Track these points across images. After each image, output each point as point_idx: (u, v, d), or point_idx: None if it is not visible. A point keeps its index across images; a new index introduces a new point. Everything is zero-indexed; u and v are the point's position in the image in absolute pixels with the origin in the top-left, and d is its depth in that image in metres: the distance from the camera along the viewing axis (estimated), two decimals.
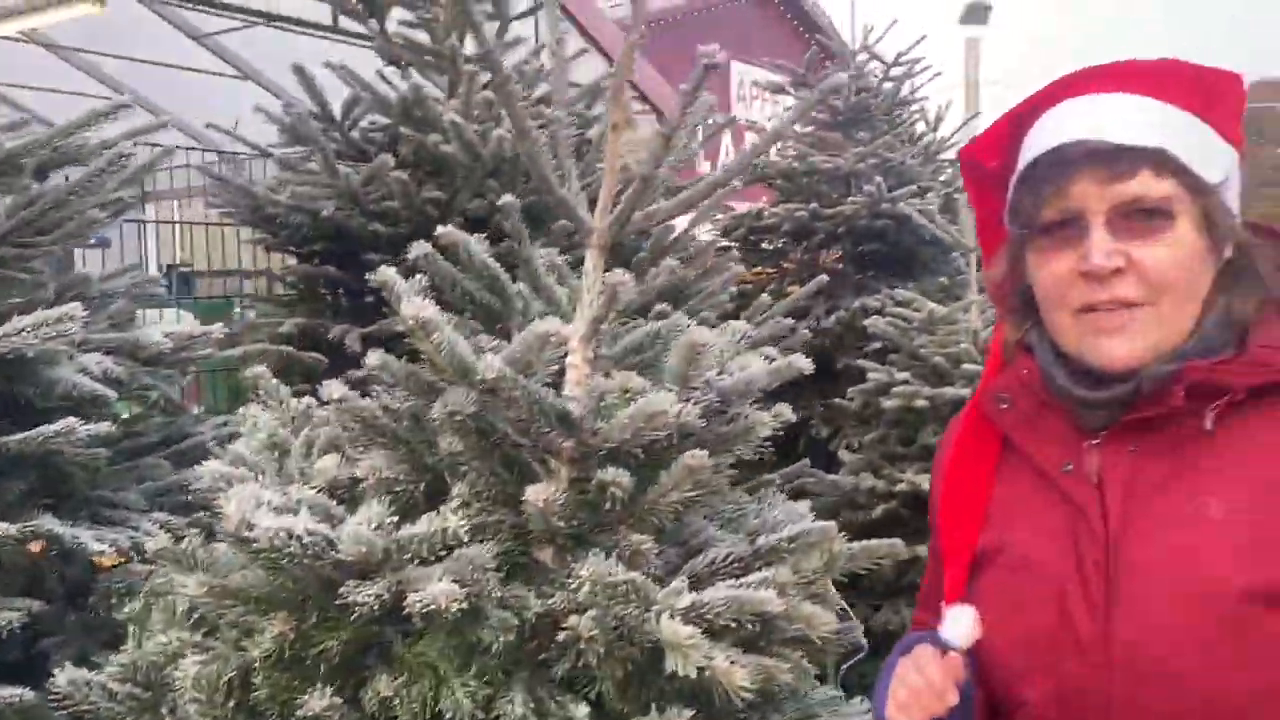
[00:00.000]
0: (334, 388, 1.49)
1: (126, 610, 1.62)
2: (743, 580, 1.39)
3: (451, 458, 1.48)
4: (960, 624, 1.17)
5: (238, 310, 4.54)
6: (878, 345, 4.67)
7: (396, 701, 1.39)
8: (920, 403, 4.06)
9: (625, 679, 1.43)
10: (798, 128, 6.22)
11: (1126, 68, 1.15)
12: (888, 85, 5.92)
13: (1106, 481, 1.14)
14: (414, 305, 1.37)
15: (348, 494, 1.56)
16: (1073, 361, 1.18)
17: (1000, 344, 1.30)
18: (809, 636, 1.43)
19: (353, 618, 1.38)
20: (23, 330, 1.79)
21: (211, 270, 6.14)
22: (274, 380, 1.81)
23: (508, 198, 1.73)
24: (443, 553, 1.35)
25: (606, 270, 1.52)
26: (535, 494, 1.37)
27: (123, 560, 2.14)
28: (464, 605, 1.30)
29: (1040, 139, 1.15)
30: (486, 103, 3.18)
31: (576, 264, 1.80)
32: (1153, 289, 1.11)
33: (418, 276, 1.64)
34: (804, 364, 1.51)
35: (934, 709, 1.13)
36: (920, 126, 6.21)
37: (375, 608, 1.31)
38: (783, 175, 5.81)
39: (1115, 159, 1.09)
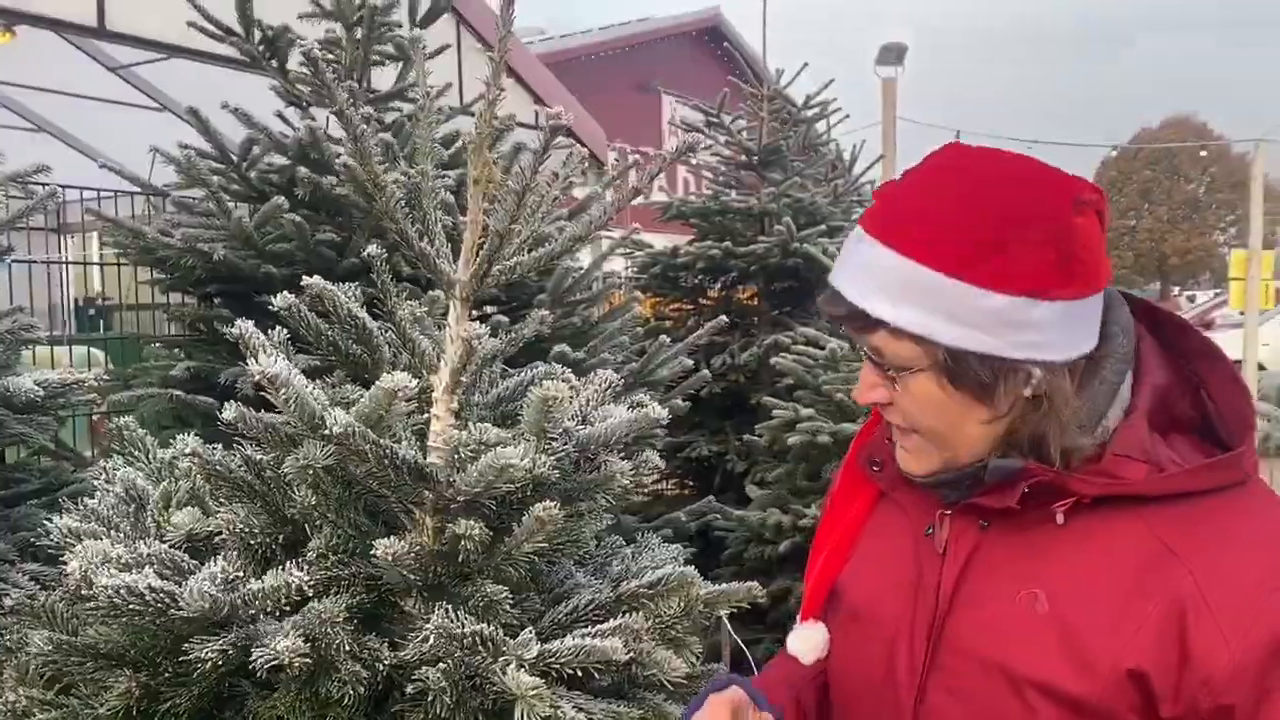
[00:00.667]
0: (190, 441, 1.49)
1: None
2: (596, 629, 1.41)
3: (307, 510, 1.48)
4: (809, 640, 1.28)
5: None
6: (789, 381, 4.75)
7: None
8: (824, 438, 4.14)
9: None
10: (712, 168, 6.35)
11: (911, 206, 1.10)
12: (799, 127, 6.06)
13: (951, 553, 1.18)
14: (264, 361, 1.38)
15: (205, 546, 1.56)
16: None
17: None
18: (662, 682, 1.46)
19: (198, 673, 1.37)
20: None
21: (126, 305, 6.01)
22: (139, 430, 1.80)
23: (372, 249, 1.74)
24: (288, 608, 1.35)
25: (478, 318, 1.55)
26: (385, 548, 1.38)
27: None
28: (309, 659, 1.31)
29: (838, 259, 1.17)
30: (384, 146, 3.19)
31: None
32: (910, 425, 1.16)
33: (277, 328, 1.64)
34: (661, 413, 1.55)
35: None
36: (833, 168, 6.36)
37: (220, 663, 1.31)
38: (698, 214, 5.90)
39: (860, 314, 1.10)
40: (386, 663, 1.41)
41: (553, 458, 1.48)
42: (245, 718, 1.43)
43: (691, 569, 1.62)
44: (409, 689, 1.39)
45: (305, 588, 1.33)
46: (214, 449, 1.52)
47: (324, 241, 3.12)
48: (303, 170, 3.16)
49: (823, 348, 4.40)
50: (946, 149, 1.16)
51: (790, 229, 5.28)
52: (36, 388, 2.09)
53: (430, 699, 1.38)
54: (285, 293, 1.71)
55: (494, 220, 1.51)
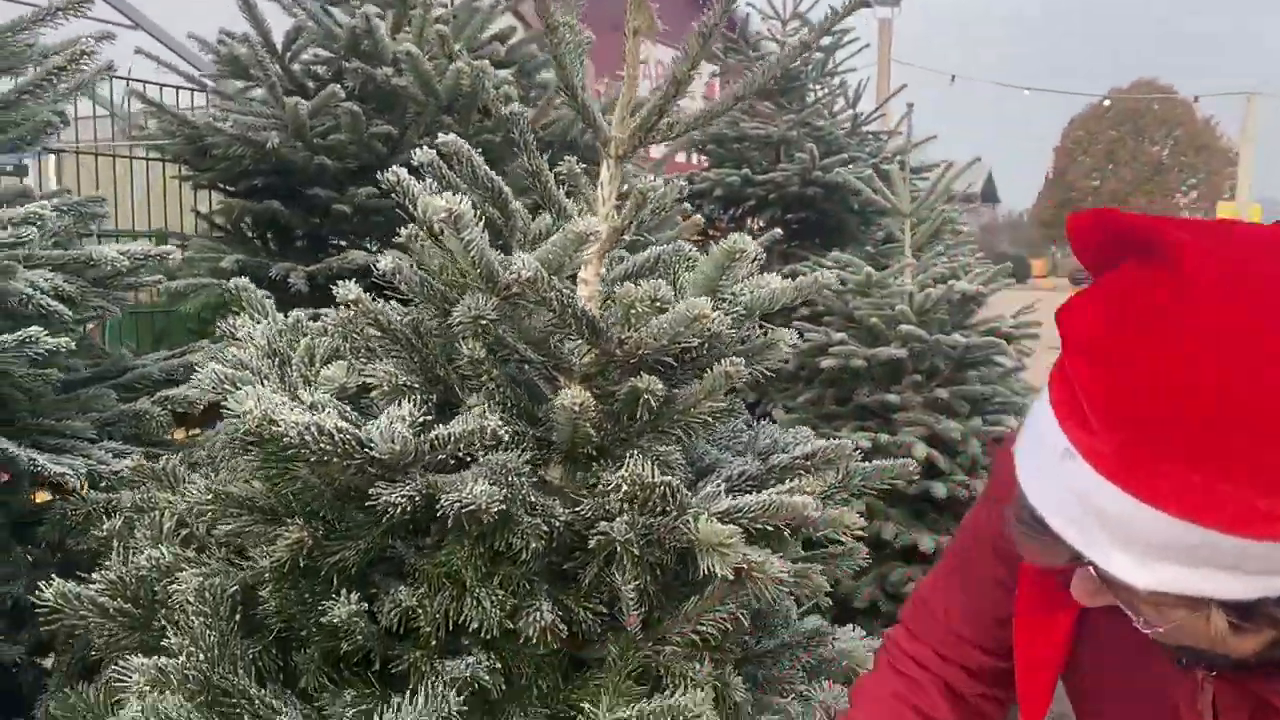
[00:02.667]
0: (349, 288, 1.42)
1: (105, 528, 1.52)
2: (783, 488, 1.38)
3: (472, 366, 1.42)
4: None
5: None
6: (805, 312, 4.72)
7: (419, 612, 1.33)
8: (857, 362, 4.13)
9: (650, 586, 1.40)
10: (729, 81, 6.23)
11: (1171, 428, 0.74)
12: (817, 55, 5.98)
13: (1221, 709, 0.99)
14: (445, 198, 1.31)
15: (355, 405, 1.49)
16: None
17: None
18: (838, 539, 1.43)
19: (367, 527, 1.32)
20: None
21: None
22: (258, 291, 1.72)
23: (515, 106, 1.66)
24: (479, 453, 1.30)
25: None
26: (570, 399, 1.33)
27: (65, 496, 2.02)
28: (501, 507, 1.26)
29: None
30: (439, 38, 3.08)
31: (534, 209, 1.75)
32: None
33: (426, 180, 1.56)
34: (829, 279, 1.50)
35: None
36: (841, 101, 6.29)
37: (406, 509, 1.25)
38: (714, 141, 5.82)
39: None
40: (561, 518, 1.36)
41: (729, 317, 1.43)
42: (412, 574, 1.37)
43: (847, 441, 1.58)
44: (591, 542, 1.34)
45: (500, 432, 1.27)
46: (367, 298, 1.45)
47: (377, 135, 3.01)
48: (355, 62, 3.04)
49: (857, 272, 4.38)
50: (1191, 266, 0.75)
51: (813, 156, 5.22)
52: (121, 257, 1.99)
53: (614, 552, 1.33)
54: (424, 149, 1.62)
55: (676, 66, 1.44)
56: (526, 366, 1.53)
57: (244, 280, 1.71)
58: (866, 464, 1.62)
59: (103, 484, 1.93)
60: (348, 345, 1.56)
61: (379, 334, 1.44)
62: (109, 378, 2.39)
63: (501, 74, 3.09)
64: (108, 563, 1.45)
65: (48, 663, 2.04)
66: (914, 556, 3.95)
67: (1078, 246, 0.86)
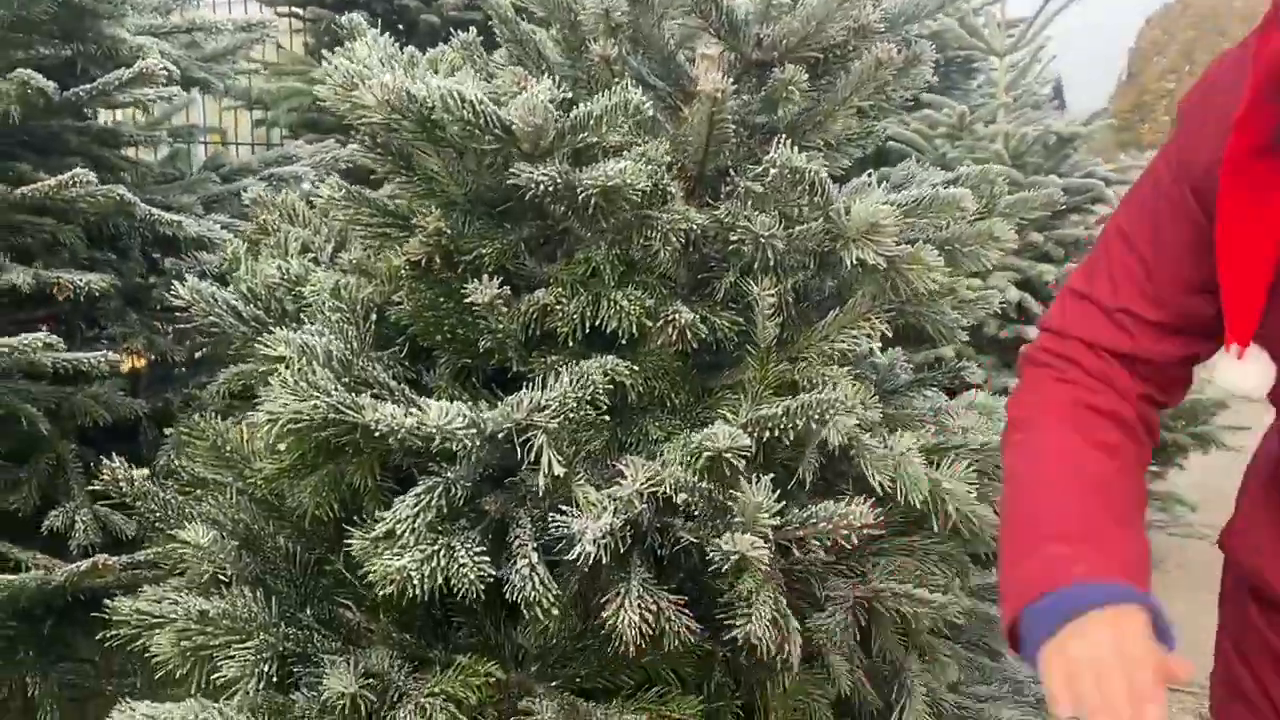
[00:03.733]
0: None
1: (231, 250, 1.50)
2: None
3: (603, 64, 1.36)
4: (1251, 375, 1.03)
5: None
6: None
7: (557, 310, 1.30)
8: None
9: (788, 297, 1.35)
10: None
11: None
12: None
13: None
14: None
15: None
16: None
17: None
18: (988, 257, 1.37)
19: (526, 205, 1.27)
20: None
21: None
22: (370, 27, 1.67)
23: None
24: (624, 130, 1.24)
25: None
26: (711, 84, 1.27)
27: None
28: (645, 186, 1.21)
29: None
30: None
31: None
32: None
33: None
34: None
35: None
36: None
37: (549, 189, 1.21)
38: None
39: None
40: (697, 222, 1.31)
41: (878, 12, 1.35)
42: (547, 283, 1.34)
43: (994, 165, 1.51)
44: (732, 239, 1.29)
45: (644, 109, 1.21)
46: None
47: None
48: None
49: (950, 114, 4.22)
50: None
51: None
52: (228, 25, 1.96)
53: (753, 259, 1.28)
54: None
55: None
56: (650, 95, 1.47)
57: (355, 16, 1.66)
58: (1010, 196, 1.54)
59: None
60: (467, 64, 1.51)
61: (506, 36, 1.39)
62: (209, 168, 2.39)
63: None
64: (237, 274, 1.44)
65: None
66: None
67: None
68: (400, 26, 3.00)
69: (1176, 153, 1.06)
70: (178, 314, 2.01)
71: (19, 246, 1.80)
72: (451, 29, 3.03)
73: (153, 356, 1.97)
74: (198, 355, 1.91)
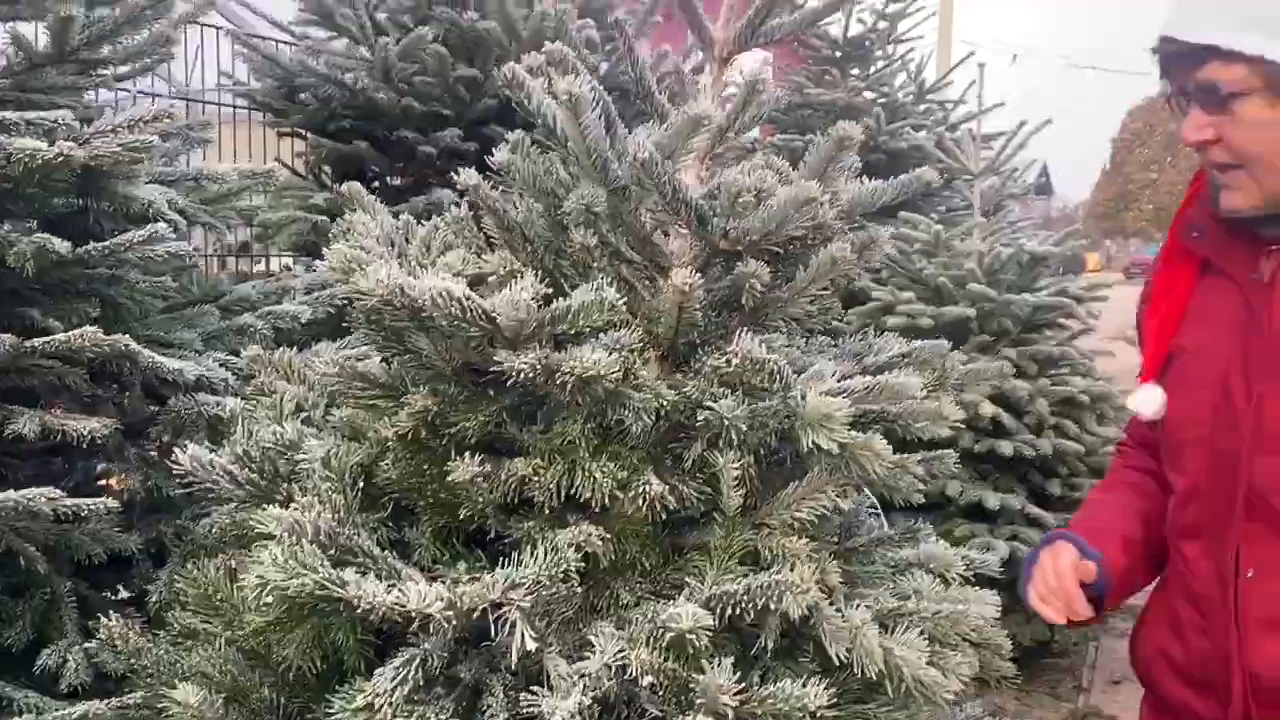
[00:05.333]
0: (469, 174, 1.48)
1: (229, 409, 1.59)
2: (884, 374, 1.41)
3: (584, 252, 1.47)
4: (1152, 400, 1.42)
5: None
6: (869, 278, 4.73)
7: (534, 481, 1.39)
8: (924, 322, 4.14)
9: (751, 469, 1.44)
10: (784, 62, 6.25)
11: None
12: (882, 24, 5.96)
13: (1276, 282, 1.27)
14: (569, 81, 1.36)
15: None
16: None
17: (1199, 185, 1.43)
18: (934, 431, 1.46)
19: (500, 394, 1.37)
20: (106, 134, 1.74)
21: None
22: (367, 194, 1.79)
23: (619, 13, 1.70)
24: (588, 329, 1.34)
25: None
26: (680, 278, 1.37)
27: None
28: (617, 374, 1.31)
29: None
30: None
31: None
32: (1238, 157, 1.23)
33: (539, 81, 1.61)
34: (932, 175, 1.53)
35: (1066, 611, 1.45)
36: (902, 77, 6.26)
37: (528, 376, 1.31)
38: (777, 108, 5.83)
39: (1189, 53, 1.20)
40: (668, 398, 1.41)
41: (835, 209, 1.47)
42: (526, 451, 1.43)
43: (944, 341, 1.62)
44: (699, 419, 1.38)
45: (617, 305, 1.32)
46: (486, 186, 1.51)
47: (462, 79, 3.08)
48: (439, 8, 3.11)
49: (925, 232, 4.37)
50: None
51: (880, 121, 5.22)
52: (232, 174, 2.07)
53: (718, 433, 1.38)
54: (534, 54, 1.67)
55: None
56: (627, 269, 1.57)
57: (355, 184, 1.77)
58: (963, 368, 1.65)
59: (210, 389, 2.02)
60: (460, 241, 1.62)
61: (493, 222, 1.49)
62: (210, 300, 2.49)
63: (582, 20, 3.13)
64: (233, 438, 1.53)
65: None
66: (978, 514, 3.96)
67: None
68: (401, 163, 3.14)
69: None
70: (176, 444, 2.10)
71: (25, 388, 1.88)
72: (447, 157, 3.18)
73: (149, 488, 2.05)
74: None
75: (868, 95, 5.56)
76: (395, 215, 3.24)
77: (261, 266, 4.45)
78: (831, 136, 1.42)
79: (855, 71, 5.95)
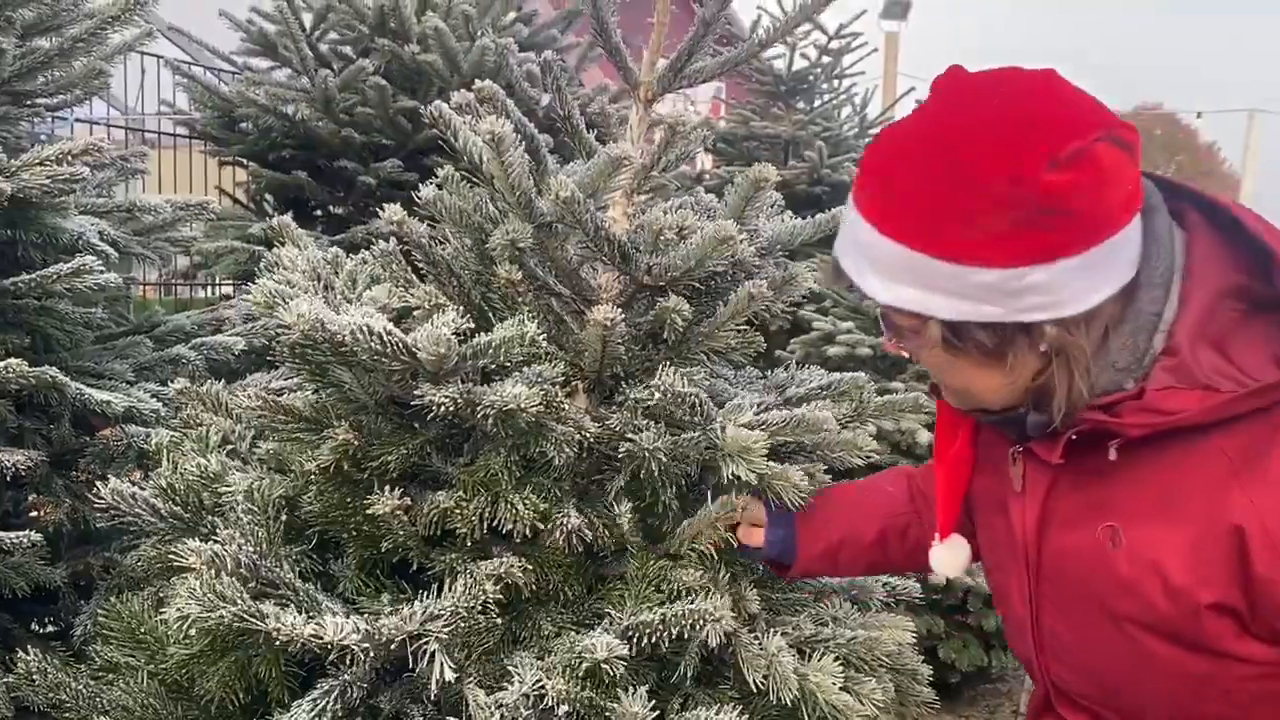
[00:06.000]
0: (394, 209, 1.50)
1: (154, 441, 1.59)
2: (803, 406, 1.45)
3: (508, 286, 1.50)
4: (956, 557, 1.35)
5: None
6: (812, 308, 4.80)
7: (456, 514, 1.40)
8: (863, 350, 4.20)
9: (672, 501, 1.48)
10: (734, 96, 6.36)
11: (888, 176, 1.05)
12: (825, 59, 6.08)
13: (1028, 492, 1.18)
14: (490, 121, 1.39)
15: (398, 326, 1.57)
16: None
17: None
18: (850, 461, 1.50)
19: (423, 426, 1.39)
20: (34, 166, 1.74)
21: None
22: (299, 230, 1.80)
23: (548, 53, 1.74)
24: (508, 364, 1.37)
25: None
26: (602, 314, 1.40)
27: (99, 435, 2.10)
28: (538, 407, 1.33)
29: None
30: (465, 18, 3.17)
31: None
32: (935, 378, 1.19)
33: (466, 118, 1.64)
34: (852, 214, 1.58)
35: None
36: (848, 110, 6.38)
37: (450, 409, 1.33)
38: (723, 139, 5.92)
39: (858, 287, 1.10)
40: (590, 432, 1.44)
41: (753, 247, 1.51)
42: (449, 483, 1.45)
43: (861, 373, 1.66)
44: (621, 451, 1.41)
45: (538, 340, 1.35)
46: (413, 221, 1.54)
47: (402, 110, 3.11)
48: (381, 40, 3.13)
49: None
50: (940, 83, 1.07)
51: (821, 154, 5.31)
52: (165, 205, 2.08)
53: (640, 465, 1.41)
54: (463, 91, 1.70)
55: (704, 9, 1.53)
56: (555, 302, 1.60)
57: (285, 218, 1.79)
58: (879, 397, 1.70)
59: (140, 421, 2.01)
60: (387, 274, 1.64)
61: (419, 257, 1.52)
62: (143, 331, 2.48)
63: (523, 55, 3.18)
64: (158, 470, 1.53)
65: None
66: None
67: None
68: (341, 193, 3.15)
69: None
70: (104, 477, 2.09)
71: None
72: (387, 187, 3.19)
73: (76, 520, 2.03)
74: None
75: (812, 129, 5.66)
76: (338, 243, 3.26)
77: (205, 294, 4.42)
78: (749, 178, 1.47)
79: (801, 105, 6.05)
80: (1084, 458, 1.10)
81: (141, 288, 3.93)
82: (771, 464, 1.37)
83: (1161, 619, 1.07)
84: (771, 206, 1.75)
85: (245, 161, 3.39)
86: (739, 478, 1.37)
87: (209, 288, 4.25)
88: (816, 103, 6.09)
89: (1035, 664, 1.25)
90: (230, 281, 3.41)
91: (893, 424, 4.10)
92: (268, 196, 3.47)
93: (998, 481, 1.24)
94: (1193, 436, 1.04)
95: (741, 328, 1.51)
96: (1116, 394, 1.07)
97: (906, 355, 1.16)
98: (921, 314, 1.05)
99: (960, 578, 3.56)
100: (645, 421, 1.44)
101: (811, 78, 6.02)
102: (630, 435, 1.41)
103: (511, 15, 3.41)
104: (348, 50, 3.33)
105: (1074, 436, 1.08)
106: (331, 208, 3.25)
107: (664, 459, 1.39)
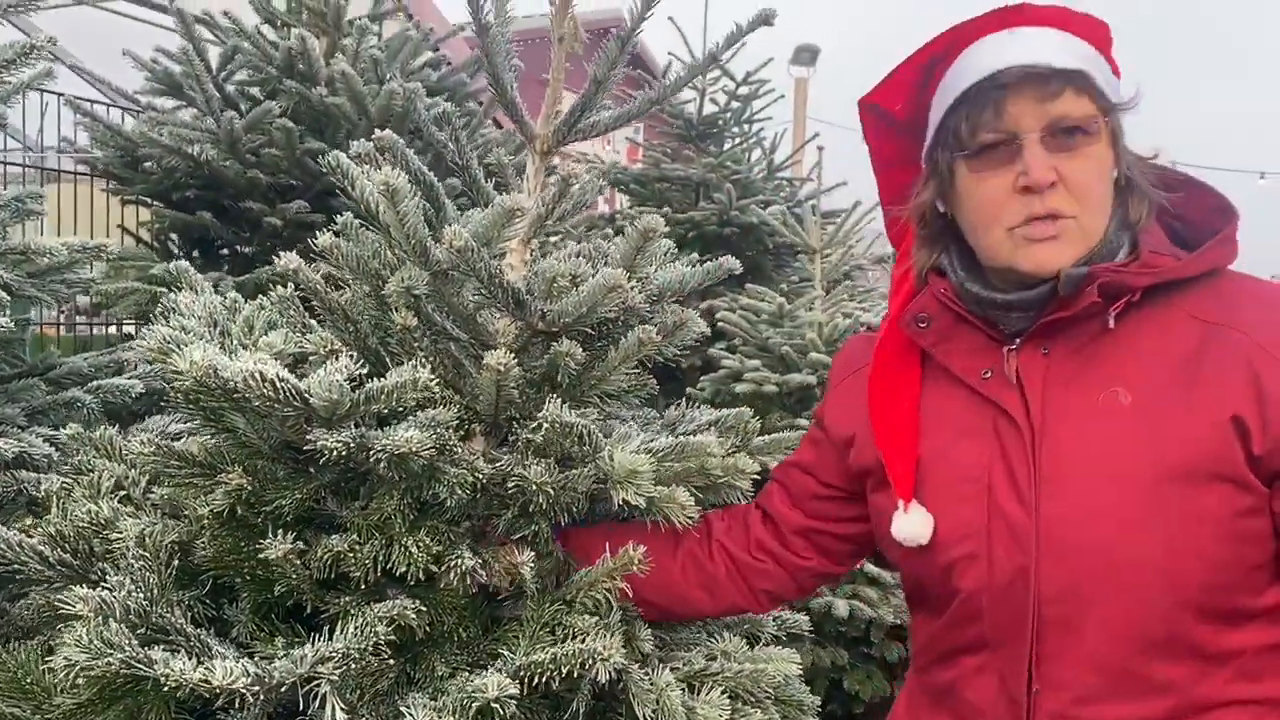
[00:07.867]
0: (290, 258, 1.52)
1: (44, 487, 1.58)
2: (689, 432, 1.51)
3: (404, 333, 1.53)
4: (921, 523, 1.31)
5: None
6: (722, 345, 4.91)
7: (350, 558, 1.42)
8: (770, 388, 4.31)
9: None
10: (649, 138, 6.49)
11: (1028, 11, 1.27)
12: (734, 104, 6.24)
13: (1025, 381, 1.27)
14: (384, 171, 1.43)
15: (291, 372, 1.59)
16: (992, 275, 1.32)
17: (908, 274, 1.41)
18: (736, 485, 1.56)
19: (316, 472, 1.41)
20: None
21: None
22: (196, 274, 1.81)
23: (445, 106, 1.79)
24: (411, 409, 1.40)
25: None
26: (495, 359, 1.45)
27: None
28: (431, 451, 1.36)
29: (972, 67, 1.25)
30: (373, 61, 3.21)
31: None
32: (1076, 201, 1.23)
33: (364, 168, 1.68)
34: (734, 264, 1.65)
35: None
36: (757, 153, 6.56)
37: (342, 454, 1.35)
38: (636, 181, 6.02)
39: (1046, 80, 1.21)
40: (484, 472, 1.47)
41: (643, 294, 1.57)
42: (343, 527, 1.47)
43: (746, 409, 1.73)
44: (510, 486, 1.45)
45: (431, 385, 1.38)
46: (307, 267, 1.56)
47: (310, 152, 3.11)
48: (290, 82, 3.15)
49: (770, 303, 4.58)
50: None
51: (731, 197, 5.45)
52: (60, 248, 2.06)
53: (529, 500, 1.44)
54: (363, 141, 1.74)
55: (595, 68, 1.59)
56: (453, 345, 1.64)
57: (183, 263, 1.79)
58: (763, 437, 1.76)
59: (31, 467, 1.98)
60: (284, 320, 1.65)
61: (316, 303, 1.54)
62: (37, 373, 2.43)
63: (433, 99, 3.22)
64: (47, 517, 1.51)
65: None
66: None
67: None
68: (247, 233, 3.14)
69: (827, 413, 1.55)
70: None
71: None
72: (294, 228, 3.19)
73: None
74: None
75: (722, 171, 5.80)
76: (244, 283, 3.23)
77: (107, 333, 4.32)
78: (638, 228, 1.53)
79: (712, 148, 6.19)
80: (1076, 340, 1.27)
81: (39, 327, 3.85)
82: (660, 488, 1.43)
83: (1183, 463, 1.17)
84: (665, 254, 1.82)
85: (149, 201, 3.35)
86: (629, 503, 1.42)
87: (110, 326, 4.16)
88: (726, 145, 6.25)
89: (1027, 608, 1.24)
90: (133, 321, 3.35)
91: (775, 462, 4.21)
92: (173, 236, 3.44)
93: (947, 422, 1.34)
94: (1168, 298, 1.24)
95: (634, 371, 1.56)
96: (1121, 260, 1.26)
97: (1052, 181, 1.23)
98: (1101, 91, 1.24)
99: (862, 609, 3.65)
100: (535, 459, 1.48)
101: (721, 122, 6.18)
102: (518, 471, 1.44)
103: (421, 59, 3.45)
104: (255, 91, 3.33)
105: (1097, 291, 1.22)
106: (239, 247, 3.23)
107: (551, 491, 1.43)
